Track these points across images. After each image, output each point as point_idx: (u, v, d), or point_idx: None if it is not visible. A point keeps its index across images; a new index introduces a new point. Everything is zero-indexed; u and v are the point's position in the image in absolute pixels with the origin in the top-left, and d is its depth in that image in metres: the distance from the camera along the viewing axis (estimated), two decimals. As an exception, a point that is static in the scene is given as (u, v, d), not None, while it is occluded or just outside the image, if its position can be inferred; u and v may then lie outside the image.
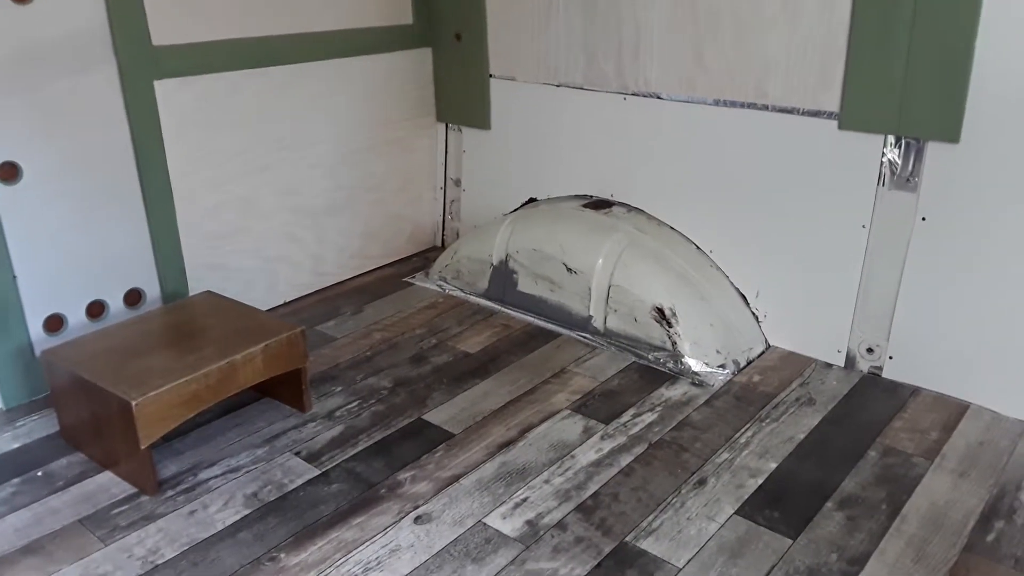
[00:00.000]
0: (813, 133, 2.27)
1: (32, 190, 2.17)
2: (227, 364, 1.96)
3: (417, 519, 1.79)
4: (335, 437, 2.09)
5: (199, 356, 1.96)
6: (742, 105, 2.39)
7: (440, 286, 2.97)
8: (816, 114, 2.26)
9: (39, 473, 1.96)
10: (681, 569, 1.63)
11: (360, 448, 2.05)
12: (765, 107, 2.35)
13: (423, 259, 3.27)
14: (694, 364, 2.34)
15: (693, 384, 2.31)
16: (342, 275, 3.07)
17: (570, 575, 1.62)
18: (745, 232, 2.48)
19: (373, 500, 1.85)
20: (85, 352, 2.00)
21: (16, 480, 1.94)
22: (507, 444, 2.06)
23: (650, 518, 1.78)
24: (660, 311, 2.40)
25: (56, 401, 2.06)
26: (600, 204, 2.75)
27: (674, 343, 2.38)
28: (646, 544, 1.70)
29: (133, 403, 1.78)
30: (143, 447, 1.82)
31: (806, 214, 2.34)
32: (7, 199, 2.13)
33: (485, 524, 1.77)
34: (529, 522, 1.77)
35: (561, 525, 1.76)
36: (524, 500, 1.84)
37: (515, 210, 2.98)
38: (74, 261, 2.30)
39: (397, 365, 2.46)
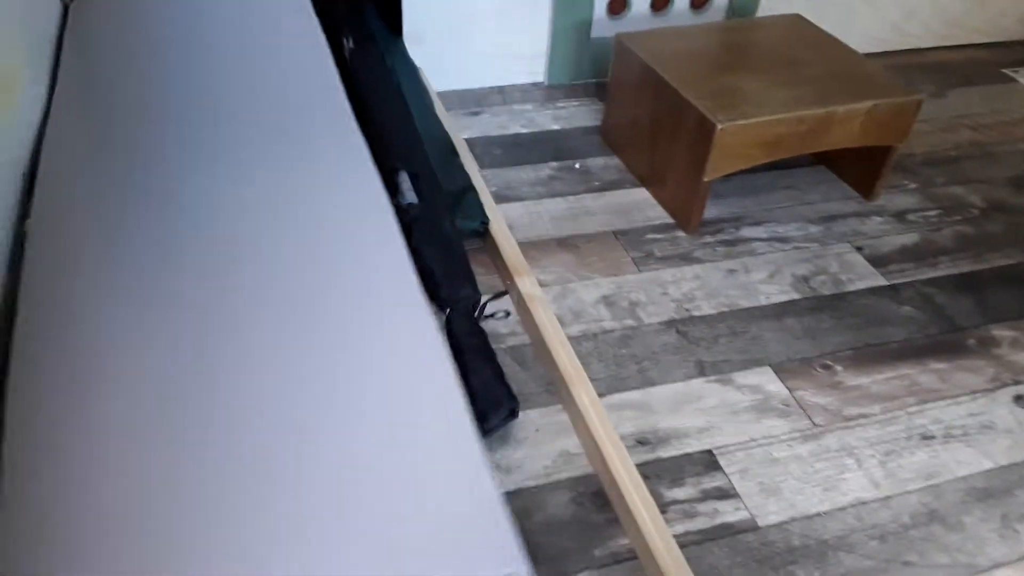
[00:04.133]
0: None
1: None
2: (825, 114, 1.54)
3: (1019, 399, 1.33)
4: (907, 246, 1.64)
5: (795, 94, 1.57)
6: None
7: (1061, 94, 2.17)
8: None
9: (576, 165, 1.82)
10: None
11: (940, 273, 1.58)
12: None
13: (1033, 50, 2.43)
14: None
15: None
16: (924, 41, 2.39)
17: None
18: None
19: (958, 348, 1.42)
20: (661, 48, 1.72)
21: (554, 164, 1.82)
22: None
23: None
24: None
25: (611, 93, 1.85)
26: None
27: None
28: None
29: (718, 127, 1.47)
30: (706, 179, 1.54)
31: None
32: None
33: (1125, 450, 1.26)
34: None
35: None
36: None
37: None
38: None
39: (991, 182, 1.85)
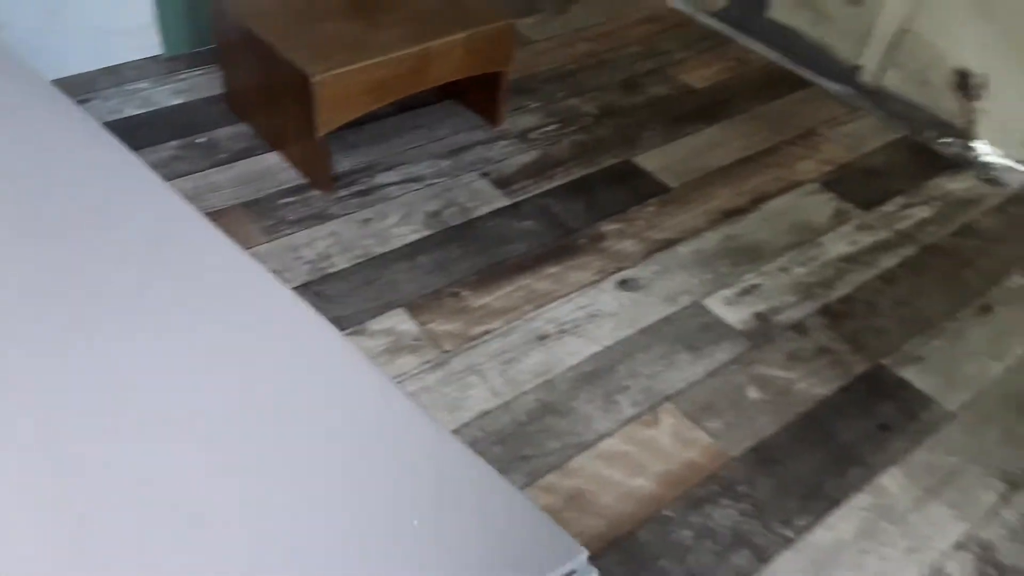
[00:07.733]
0: None
1: None
2: (422, 51, 1.58)
3: (622, 283, 1.50)
4: (528, 164, 1.76)
5: (391, 35, 1.59)
6: None
7: (661, -4, 2.40)
8: None
9: (201, 140, 1.74)
10: (954, 415, 1.30)
11: (557, 183, 1.71)
12: None
13: (640, -42, 2.65)
14: (989, 154, 1.80)
15: (982, 179, 1.80)
16: (543, -38, 2.52)
17: (808, 392, 1.32)
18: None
19: (570, 250, 1.56)
20: (261, 5, 1.66)
21: (175, 143, 1.73)
22: (735, 213, 1.68)
23: (915, 342, 1.42)
24: (963, 77, 1.81)
25: (223, 59, 1.78)
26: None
27: (970, 122, 1.82)
28: (908, 374, 1.36)
29: (312, 79, 1.46)
30: (320, 134, 1.54)
31: None
32: None
33: (704, 307, 1.46)
34: (760, 316, 1.45)
35: (800, 327, 1.43)
36: (754, 287, 1.51)
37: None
38: None
39: (605, 88, 2.02)
